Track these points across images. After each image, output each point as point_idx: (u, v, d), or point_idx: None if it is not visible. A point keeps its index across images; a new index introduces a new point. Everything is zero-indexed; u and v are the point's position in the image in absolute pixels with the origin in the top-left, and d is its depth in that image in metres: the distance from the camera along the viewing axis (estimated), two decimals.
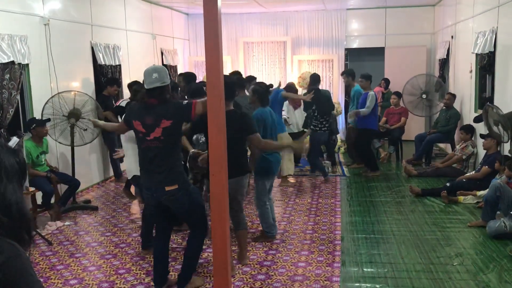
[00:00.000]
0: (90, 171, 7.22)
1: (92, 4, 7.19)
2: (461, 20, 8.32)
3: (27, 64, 5.72)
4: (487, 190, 5.24)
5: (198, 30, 11.21)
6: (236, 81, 4.34)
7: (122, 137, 4.49)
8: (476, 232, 5.00)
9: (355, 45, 11.11)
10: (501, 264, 4.20)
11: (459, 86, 8.57)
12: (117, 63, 7.70)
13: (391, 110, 9.08)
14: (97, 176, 7.43)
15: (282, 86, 7.90)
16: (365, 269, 4.17)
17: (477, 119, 7.03)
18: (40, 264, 4.39)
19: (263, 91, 4.88)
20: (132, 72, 8.18)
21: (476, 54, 7.28)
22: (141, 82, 3.79)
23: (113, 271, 4.25)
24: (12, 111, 5.40)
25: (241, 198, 4.19)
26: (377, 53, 11.00)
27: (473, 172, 6.50)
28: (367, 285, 3.89)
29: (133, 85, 6.38)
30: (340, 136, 9.71)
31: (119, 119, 5.76)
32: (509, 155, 5.52)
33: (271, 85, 7.51)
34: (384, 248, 4.63)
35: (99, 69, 7.30)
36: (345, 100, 10.32)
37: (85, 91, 6.66)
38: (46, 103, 5.91)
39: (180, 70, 10.08)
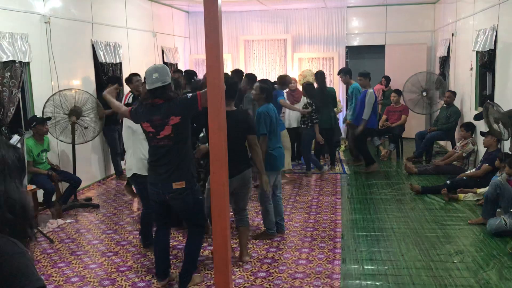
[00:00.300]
0: (91, 169, 7.24)
1: (93, 2, 7.19)
2: (462, 18, 8.31)
3: (28, 62, 5.73)
4: (488, 187, 5.25)
5: (199, 28, 11.22)
6: (236, 82, 4.39)
7: (124, 134, 4.49)
8: (477, 230, 5.01)
9: (355, 43, 11.10)
10: (501, 261, 4.21)
11: (459, 84, 8.56)
12: (118, 61, 7.71)
13: (392, 108, 9.08)
14: (98, 174, 7.45)
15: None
16: (365, 267, 4.18)
17: (477, 117, 7.03)
18: (41, 262, 4.41)
19: (270, 88, 5.05)
20: (133, 70, 8.15)
21: (477, 52, 7.28)
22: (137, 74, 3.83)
23: (114, 268, 4.26)
24: (13, 109, 5.41)
25: (248, 192, 4.30)
26: (378, 50, 11.00)
27: (474, 169, 6.50)
28: (368, 282, 3.90)
29: (131, 78, 6.41)
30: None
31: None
32: (510, 152, 5.52)
33: (275, 82, 7.55)
34: (384, 246, 4.64)
35: (100, 67, 7.30)
36: (346, 98, 10.32)
37: (86, 89, 6.67)
38: (47, 101, 5.92)
39: (180, 68, 10.06)
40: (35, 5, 5.96)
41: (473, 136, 7.19)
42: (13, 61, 5.34)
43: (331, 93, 8.11)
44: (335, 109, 8.19)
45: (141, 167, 4.29)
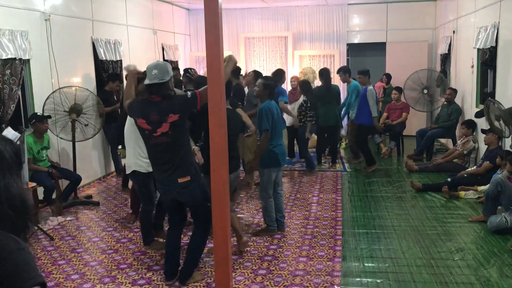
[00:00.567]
0: (91, 166, 7.23)
1: None
2: (463, 15, 8.29)
3: (28, 60, 5.72)
4: (488, 185, 5.25)
5: (199, 25, 11.20)
6: (230, 81, 4.39)
7: (127, 129, 4.46)
8: (477, 227, 5.00)
9: (356, 40, 11.08)
10: (502, 259, 4.20)
11: (460, 81, 8.55)
12: (118, 59, 7.70)
13: (393, 106, 9.07)
14: (99, 171, 7.44)
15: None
16: (366, 264, 4.18)
17: (478, 114, 7.01)
18: (41, 259, 4.41)
19: (273, 85, 5.08)
20: None
21: (478, 49, 7.26)
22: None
23: (114, 266, 4.26)
24: (13, 106, 5.40)
25: (233, 188, 4.45)
26: (379, 48, 10.98)
27: (474, 167, 6.50)
28: (368, 280, 3.90)
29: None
30: (342, 132, 9.72)
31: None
32: (511, 150, 5.51)
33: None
34: (385, 243, 4.64)
35: (100, 65, 7.29)
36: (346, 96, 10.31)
37: (86, 86, 6.66)
38: (47, 98, 5.91)
39: (181, 66, 10.06)
40: (35, 2, 5.94)
41: (474, 134, 7.18)
42: (13, 59, 5.33)
43: (336, 90, 8.09)
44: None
45: (141, 164, 4.28)
